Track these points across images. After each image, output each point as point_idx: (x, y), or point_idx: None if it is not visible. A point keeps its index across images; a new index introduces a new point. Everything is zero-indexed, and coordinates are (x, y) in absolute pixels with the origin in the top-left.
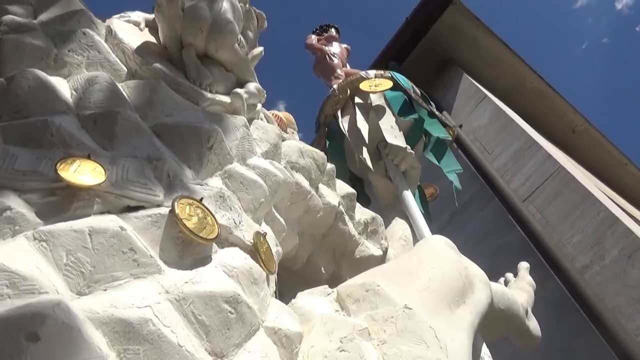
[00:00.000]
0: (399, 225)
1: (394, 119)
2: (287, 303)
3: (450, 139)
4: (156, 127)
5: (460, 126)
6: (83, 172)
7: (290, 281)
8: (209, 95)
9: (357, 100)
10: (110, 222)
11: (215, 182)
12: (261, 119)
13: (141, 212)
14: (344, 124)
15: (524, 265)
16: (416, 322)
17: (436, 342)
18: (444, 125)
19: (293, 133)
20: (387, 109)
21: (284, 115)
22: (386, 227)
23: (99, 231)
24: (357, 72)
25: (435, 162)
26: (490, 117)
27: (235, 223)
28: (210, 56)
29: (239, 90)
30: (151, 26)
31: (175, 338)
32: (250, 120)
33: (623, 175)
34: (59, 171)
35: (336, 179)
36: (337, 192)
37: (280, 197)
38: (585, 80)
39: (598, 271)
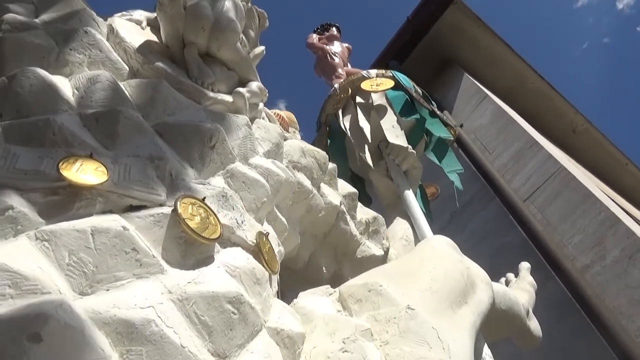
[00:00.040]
0: (400, 225)
1: (396, 118)
2: (288, 303)
3: (452, 138)
4: (158, 126)
5: (461, 126)
6: (85, 172)
7: (291, 281)
8: (211, 94)
9: (359, 99)
10: (112, 221)
11: (218, 182)
12: (263, 118)
13: (144, 212)
14: (345, 123)
15: (525, 266)
16: (419, 322)
17: (439, 343)
18: (446, 124)
19: (295, 132)
20: (389, 109)
21: (285, 114)
22: (387, 227)
23: (101, 231)
24: (359, 72)
25: (437, 162)
26: (491, 117)
27: (237, 223)
28: (212, 55)
29: (241, 89)
30: (153, 25)
31: (178, 339)
32: (252, 120)
33: (623, 176)
34: (61, 170)
35: (338, 178)
36: (338, 191)
37: (282, 197)
38: (586, 80)
39: (599, 271)
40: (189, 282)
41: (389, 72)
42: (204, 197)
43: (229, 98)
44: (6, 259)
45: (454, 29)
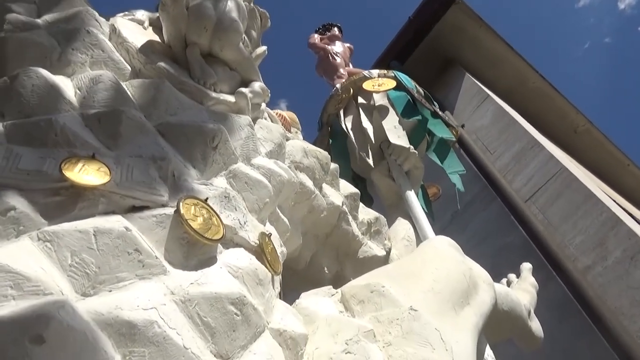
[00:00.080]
0: (402, 225)
1: (397, 118)
2: (289, 303)
3: (454, 139)
4: (160, 126)
5: (463, 126)
6: (88, 172)
7: (293, 281)
8: (214, 94)
9: (360, 100)
10: (115, 222)
11: (220, 182)
12: (265, 119)
13: (146, 213)
14: (346, 123)
15: (526, 266)
16: (422, 324)
17: (442, 344)
18: (448, 125)
19: (297, 132)
20: (390, 109)
21: (287, 114)
22: (389, 227)
23: (104, 231)
24: (360, 72)
25: (439, 162)
26: (493, 117)
27: (240, 223)
28: (215, 55)
29: (243, 89)
30: (155, 25)
31: (180, 340)
32: (254, 120)
33: (625, 176)
34: (63, 171)
35: (339, 178)
36: (340, 192)
37: (285, 197)
38: (588, 80)
39: (600, 272)
40: (191, 283)
41: (391, 73)
42: (207, 198)
43: (231, 98)
44: (8, 260)
45: (455, 29)
